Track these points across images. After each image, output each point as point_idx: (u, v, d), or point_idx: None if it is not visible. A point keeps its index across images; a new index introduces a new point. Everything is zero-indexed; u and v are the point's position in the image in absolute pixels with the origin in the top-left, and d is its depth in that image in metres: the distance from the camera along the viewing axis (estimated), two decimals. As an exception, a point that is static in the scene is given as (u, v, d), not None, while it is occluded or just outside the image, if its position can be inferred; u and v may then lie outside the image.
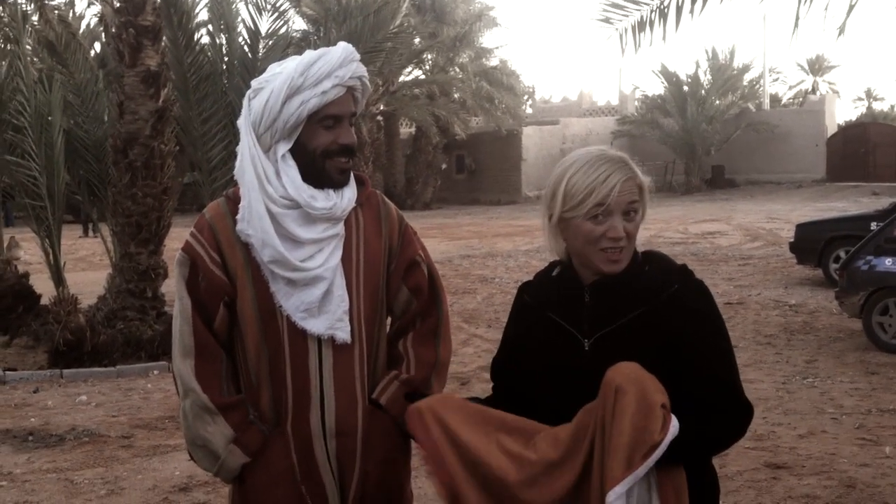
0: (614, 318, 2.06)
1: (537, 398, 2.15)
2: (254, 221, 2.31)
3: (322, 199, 2.32)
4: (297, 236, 2.31)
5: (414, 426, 2.14)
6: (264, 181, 2.32)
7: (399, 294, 2.51)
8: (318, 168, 2.33)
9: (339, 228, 2.38)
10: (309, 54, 2.36)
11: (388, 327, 2.57)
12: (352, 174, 2.44)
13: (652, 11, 6.36)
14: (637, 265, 2.11)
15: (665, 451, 1.91)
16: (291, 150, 2.34)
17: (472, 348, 9.25)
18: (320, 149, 2.33)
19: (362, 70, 2.38)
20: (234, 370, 2.43)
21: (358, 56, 2.38)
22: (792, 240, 13.41)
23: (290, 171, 2.33)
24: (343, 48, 2.36)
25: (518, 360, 2.22)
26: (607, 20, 6.35)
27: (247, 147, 2.35)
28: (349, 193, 2.39)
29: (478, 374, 7.98)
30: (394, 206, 2.58)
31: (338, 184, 2.36)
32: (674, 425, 1.93)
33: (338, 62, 2.31)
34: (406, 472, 2.55)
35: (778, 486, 5.19)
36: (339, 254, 2.36)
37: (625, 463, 1.90)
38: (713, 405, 2.03)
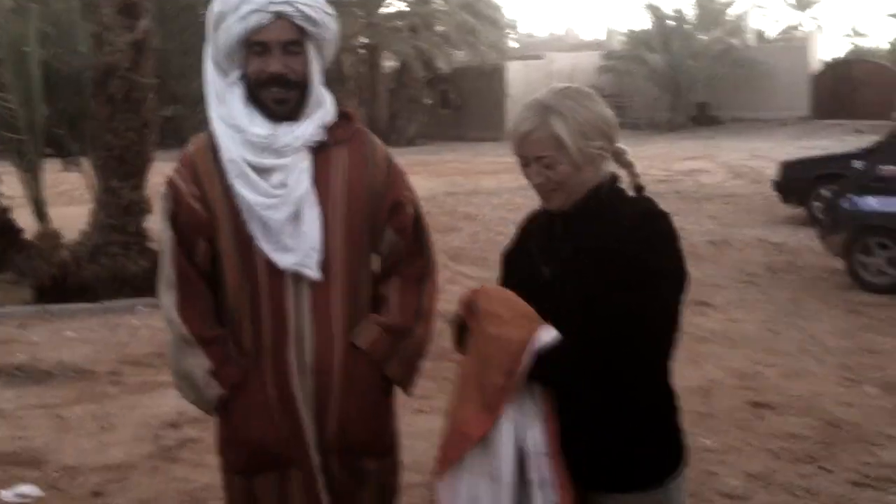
0: (571, 250, 2.11)
1: None
2: (222, 141, 2.34)
3: (260, 126, 2.32)
4: (247, 161, 2.32)
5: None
6: (217, 103, 2.37)
7: (384, 234, 2.50)
8: (255, 96, 2.34)
9: (292, 160, 2.33)
10: None
11: (373, 268, 2.55)
12: (329, 108, 2.41)
13: None
14: (610, 201, 2.13)
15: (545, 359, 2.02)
16: (243, 77, 2.35)
17: (458, 286, 9.23)
18: (253, 76, 2.33)
19: None
20: (218, 303, 2.44)
21: None
22: (776, 178, 13.41)
23: (233, 95, 2.35)
24: None
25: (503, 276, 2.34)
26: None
27: (206, 72, 2.40)
28: (302, 129, 2.35)
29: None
30: (382, 145, 2.55)
31: (276, 114, 2.33)
32: (548, 334, 2.03)
33: None
34: (388, 411, 2.56)
35: (762, 425, 5.27)
36: (303, 186, 2.33)
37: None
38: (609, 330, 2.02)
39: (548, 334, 2.02)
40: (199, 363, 2.37)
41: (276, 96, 2.32)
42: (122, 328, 7.80)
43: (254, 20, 2.27)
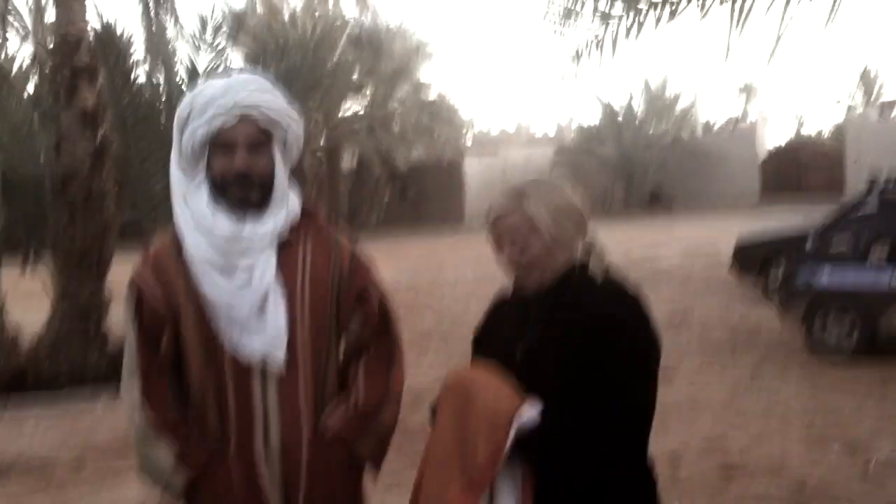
0: (543, 333, 2.15)
1: None
2: (185, 240, 2.38)
3: (225, 226, 2.34)
4: (211, 260, 2.34)
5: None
6: (182, 204, 2.40)
7: (350, 323, 2.52)
8: (221, 194, 2.37)
9: (256, 259, 2.36)
10: (200, 85, 2.44)
11: (340, 357, 2.57)
12: (293, 206, 2.46)
13: (588, 42, 6.58)
14: (580, 285, 2.19)
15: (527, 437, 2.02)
16: (208, 176, 2.39)
17: (422, 369, 9.21)
18: (218, 176, 2.37)
19: (256, 98, 2.37)
20: (183, 395, 2.43)
21: (255, 86, 2.40)
22: (731, 258, 13.65)
23: (199, 196, 2.38)
24: (235, 78, 2.41)
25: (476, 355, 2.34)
26: (555, 32, 6.55)
27: (172, 174, 2.44)
28: (266, 227, 2.38)
29: (430, 394, 7.93)
30: (345, 239, 2.58)
31: (241, 212, 2.36)
32: (532, 408, 2.04)
33: (220, 91, 2.35)
34: (356, 491, 2.56)
35: (732, 487, 5.27)
36: (266, 282, 2.35)
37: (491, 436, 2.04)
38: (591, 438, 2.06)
39: (532, 409, 2.04)
40: (164, 449, 2.36)
41: (240, 194, 2.36)
42: (84, 419, 7.68)
43: (218, 122, 2.33)
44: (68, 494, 5.67)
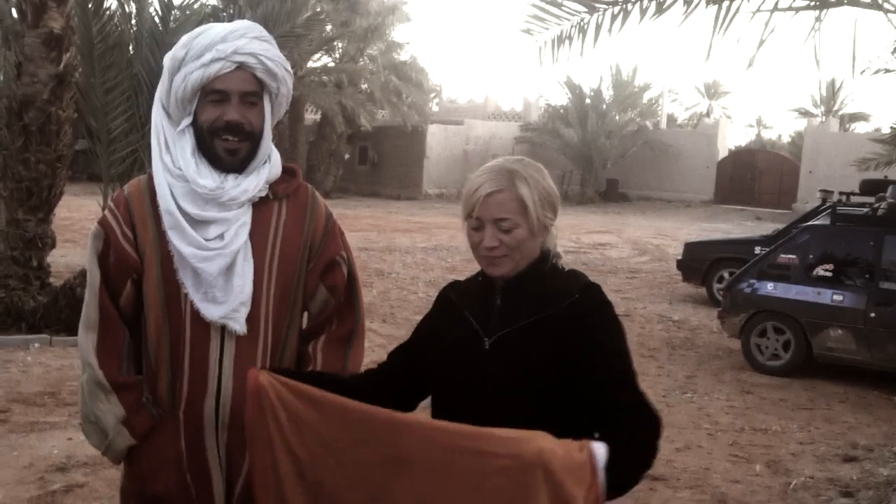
0: (516, 320, 2.12)
1: (435, 394, 2.23)
2: (160, 189, 2.33)
3: (209, 178, 2.30)
4: (187, 212, 2.30)
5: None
6: (163, 150, 2.34)
7: (316, 293, 2.50)
8: (207, 145, 2.33)
9: (234, 214, 2.33)
10: (199, 28, 2.37)
11: (303, 325, 2.55)
12: (276, 163, 2.41)
13: (572, 27, 6.54)
14: (549, 273, 2.18)
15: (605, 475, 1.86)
16: (193, 125, 2.34)
17: (367, 343, 9.22)
18: (207, 124, 2.32)
19: (256, 47, 2.33)
20: (138, 349, 2.41)
21: (255, 33, 2.35)
22: (679, 257, 13.86)
23: (184, 143, 2.33)
24: (235, 24, 2.35)
25: (425, 354, 2.27)
26: (528, 31, 6.49)
27: (154, 117, 2.39)
28: (249, 183, 2.34)
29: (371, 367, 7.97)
30: (324, 203, 2.55)
31: (227, 165, 2.33)
32: (598, 446, 1.88)
33: (220, 36, 2.30)
34: None
35: (654, 498, 5.40)
36: (240, 241, 2.32)
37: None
38: (621, 411, 2.02)
39: (599, 445, 1.89)
40: (111, 409, 2.32)
41: (229, 146, 2.31)
42: (14, 365, 7.52)
43: (215, 68, 2.27)
44: (-9, 445, 5.58)
